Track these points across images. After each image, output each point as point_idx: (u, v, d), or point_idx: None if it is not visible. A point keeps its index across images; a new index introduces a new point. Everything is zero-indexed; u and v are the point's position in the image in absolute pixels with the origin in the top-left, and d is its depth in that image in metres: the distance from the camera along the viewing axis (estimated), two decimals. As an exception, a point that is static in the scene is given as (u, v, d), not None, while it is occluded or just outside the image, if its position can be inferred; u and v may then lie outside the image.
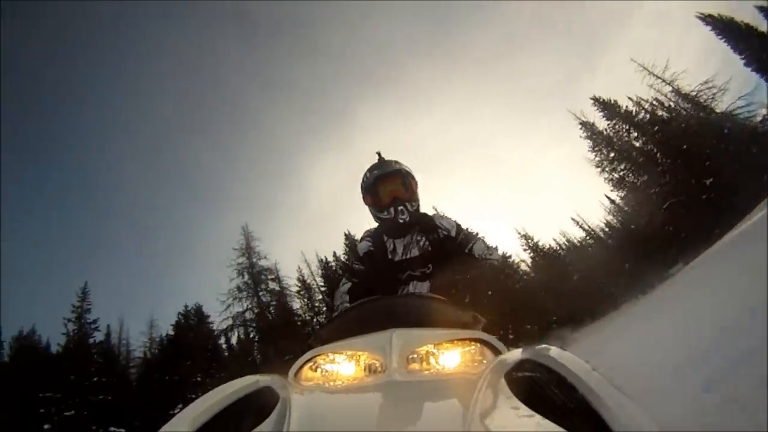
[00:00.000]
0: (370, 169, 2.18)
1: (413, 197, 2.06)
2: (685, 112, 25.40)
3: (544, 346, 0.93)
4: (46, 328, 36.91)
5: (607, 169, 27.84)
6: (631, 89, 27.79)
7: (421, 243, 2.04)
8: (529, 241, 30.71)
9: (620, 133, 27.07)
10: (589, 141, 28.12)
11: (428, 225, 2.11)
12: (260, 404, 0.95)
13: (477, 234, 2.12)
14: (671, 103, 26.28)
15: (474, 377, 1.00)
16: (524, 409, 0.72)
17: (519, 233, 31.35)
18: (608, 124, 27.61)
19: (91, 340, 25.18)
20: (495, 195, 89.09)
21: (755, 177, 18.60)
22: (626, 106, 27.14)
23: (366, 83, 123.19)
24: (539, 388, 0.83)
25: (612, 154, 27.17)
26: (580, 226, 30.68)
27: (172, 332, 27.47)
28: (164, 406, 21.46)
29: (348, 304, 1.88)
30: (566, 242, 31.32)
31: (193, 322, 28.02)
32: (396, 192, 2.02)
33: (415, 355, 1.18)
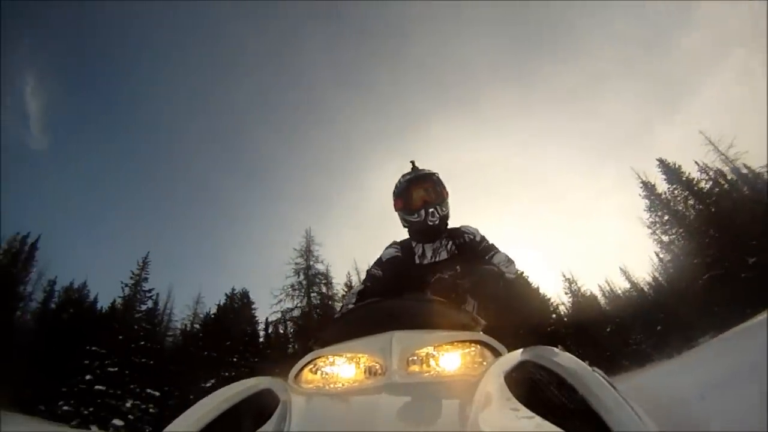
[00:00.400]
0: (404, 175, 2.21)
1: (444, 203, 2.10)
2: (742, 190, 25.78)
3: (543, 347, 0.94)
4: (100, 287, 39.04)
5: (658, 231, 28.70)
6: (698, 153, 28.04)
7: (449, 247, 2.07)
8: (572, 284, 31.69)
9: (678, 198, 27.70)
10: (646, 201, 28.98)
11: (455, 232, 2.14)
12: (261, 407, 0.97)
13: (495, 246, 2.16)
14: (732, 177, 26.62)
15: (474, 379, 0.99)
16: (524, 411, 0.73)
17: (564, 276, 32.50)
18: (668, 188, 28.28)
19: (144, 307, 26.81)
20: (547, 232, 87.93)
21: None
22: (688, 174, 27.62)
23: (441, 98, 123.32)
24: (539, 389, 0.83)
25: (666, 217, 27.97)
26: (627, 278, 31.58)
27: (215, 311, 28.86)
28: (196, 378, 22.27)
29: (351, 305, 1.93)
30: (609, 290, 32.31)
31: (237, 305, 29.28)
32: (427, 197, 2.07)
33: (415, 357, 1.16)
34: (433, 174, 2.17)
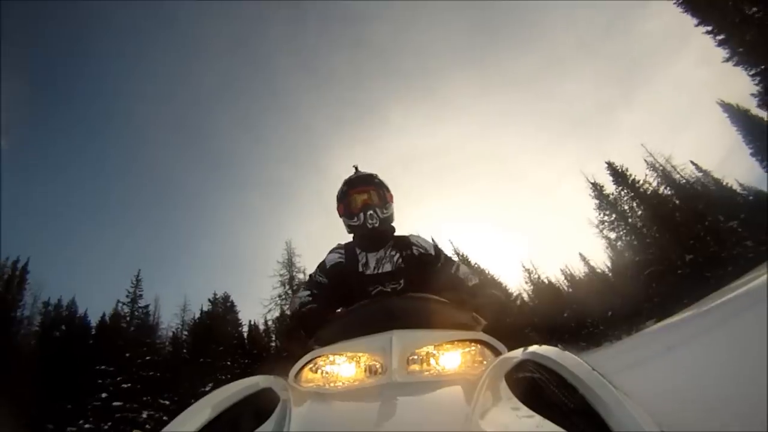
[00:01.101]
0: (345, 180, 2.20)
1: (385, 206, 2.08)
2: (685, 192, 28.52)
3: (544, 346, 0.94)
4: (81, 297, 41.50)
5: (605, 230, 31.49)
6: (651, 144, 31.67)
7: (395, 258, 2.04)
8: (532, 274, 34.78)
9: (624, 198, 30.55)
10: (596, 200, 31.66)
11: (402, 242, 2.12)
12: (261, 406, 0.97)
13: (452, 259, 2.16)
14: (678, 178, 29.64)
15: (474, 378, 1.01)
16: (524, 410, 0.74)
17: (524, 267, 35.54)
18: (616, 189, 30.87)
19: (138, 322, 28.42)
20: (507, 217, 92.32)
21: (727, 262, 22.74)
22: (634, 177, 30.17)
23: (401, 84, 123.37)
24: (539, 388, 0.84)
25: (614, 216, 30.78)
26: (585, 263, 34.31)
27: (200, 317, 30.73)
28: (198, 383, 23.87)
29: (309, 308, 1.75)
30: (570, 275, 34.92)
31: (221, 309, 31.30)
32: (368, 200, 2.07)
33: (416, 357, 1.20)
34: (374, 177, 2.15)
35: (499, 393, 0.85)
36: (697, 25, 24.50)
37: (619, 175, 31.00)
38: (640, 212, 29.78)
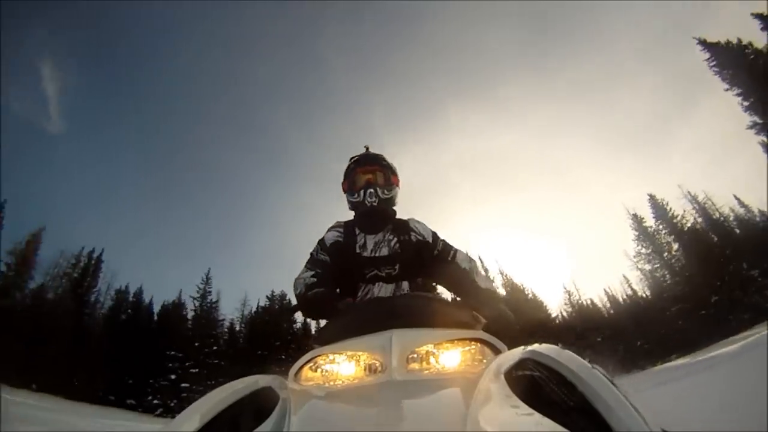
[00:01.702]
0: (353, 158, 2.23)
1: (388, 187, 2.09)
2: (720, 230, 29.85)
3: (544, 345, 0.93)
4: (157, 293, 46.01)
5: (641, 261, 32.80)
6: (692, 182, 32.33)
7: (392, 243, 2.04)
8: (572, 296, 36.28)
9: (662, 232, 31.80)
10: (635, 231, 32.83)
11: (401, 227, 2.10)
12: (260, 405, 0.97)
13: (451, 245, 2.11)
14: (717, 215, 30.59)
15: (474, 377, 0.99)
16: (524, 408, 0.74)
17: (565, 288, 36.92)
18: (655, 222, 32.05)
19: (205, 315, 31.43)
20: (554, 227, 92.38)
21: (748, 308, 23.70)
22: (673, 212, 31.24)
23: (460, 85, 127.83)
24: (539, 387, 0.85)
25: (650, 249, 32.04)
26: (630, 286, 35.84)
27: (258, 312, 32.85)
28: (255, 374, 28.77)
29: (315, 292, 1.76)
30: (611, 297, 36.97)
31: (278, 306, 32.59)
32: (371, 179, 2.09)
33: (415, 355, 1.19)
34: (382, 157, 2.16)
35: (498, 391, 0.84)
36: (726, 90, 25.74)
37: (659, 209, 31.94)
38: (675, 247, 30.82)
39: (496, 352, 1.25)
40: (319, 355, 1.33)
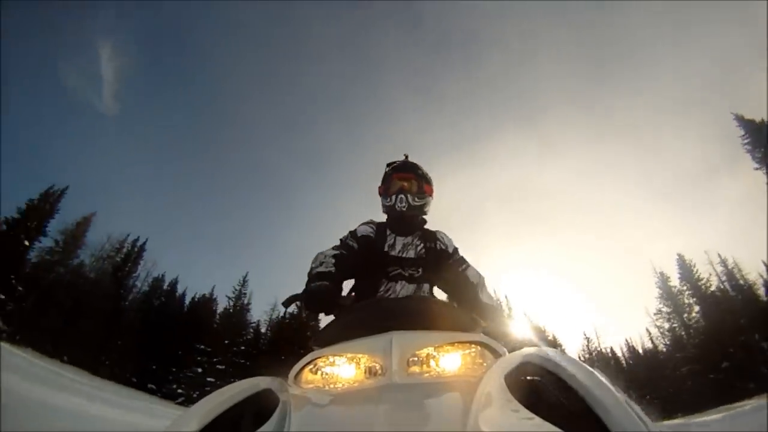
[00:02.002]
0: (391, 164, 2.34)
1: (420, 195, 2.18)
2: (743, 296, 29.94)
3: (543, 348, 0.93)
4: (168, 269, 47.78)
5: (661, 318, 33.06)
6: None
7: (419, 248, 2.15)
8: (590, 343, 36.59)
9: (685, 293, 32.09)
10: (659, 289, 33.18)
11: (430, 235, 2.21)
12: (261, 407, 0.98)
13: (466, 259, 2.21)
14: (744, 283, 30.40)
15: (474, 380, 0.99)
16: (524, 411, 0.75)
17: (585, 335, 37.16)
18: (680, 282, 32.32)
19: (221, 309, 33.47)
20: (580, 268, 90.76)
21: (752, 377, 24.07)
22: (698, 274, 31.46)
23: (508, 115, 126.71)
24: (539, 390, 0.86)
25: (671, 309, 32.26)
26: (651, 340, 35.97)
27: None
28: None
29: (330, 268, 1.90)
30: (630, 350, 37.58)
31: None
32: (405, 186, 2.18)
33: (416, 358, 1.19)
34: (419, 167, 2.25)
35: (499, 394, 0.84)
36: (756, 169, 26.20)
37: (686, 270, 32.09)
38: (696, 309, 31.05)
39: (496, 355, 1.23)
40: (319, 357, 1.31)
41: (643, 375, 31.82)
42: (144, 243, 33.78)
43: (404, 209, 2.11)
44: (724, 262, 31.36)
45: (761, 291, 29.90)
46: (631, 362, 36.18)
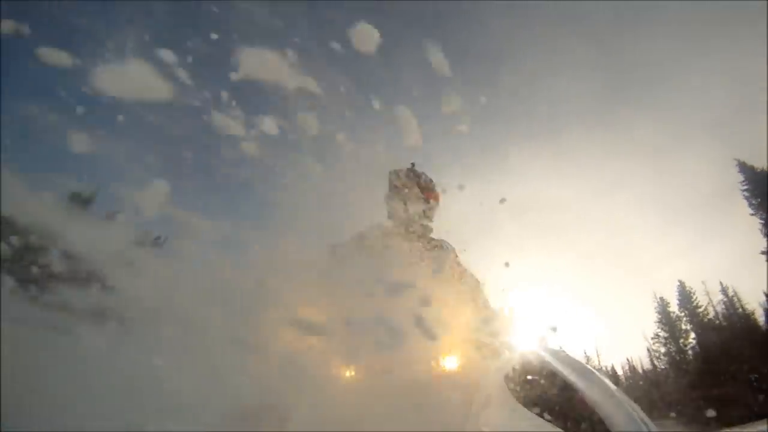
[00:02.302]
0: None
1: (423, 201, 2.25)
2: (738, 325, 29.36)
3: (544, 348, 0.97)
4: None
5: (657, 343, 32.53)
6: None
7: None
8: (590, 361, 32.97)
9: (682, 320, 31.98)
10: (658, 314, 32.63)
11: (434, 241, 2.28)
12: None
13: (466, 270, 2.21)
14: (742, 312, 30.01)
15: (474, 380, 1.03)
16: (523, 410, 0.78)
17: (585, 353, 33.81)
18: (678, 309, 31.99)
19: None
20: (588, 287, 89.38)
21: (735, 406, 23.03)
22: (697, 302, 31.43)
23: (526, 127, 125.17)
24: (539, 389, 0.88)
25: (667, 334, 31.91)
26: (651, 361, 34.60)
27: None
28: None
29: None
30: (630, 369, 36.33)
31: None
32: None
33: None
34: (422, 175, 2.38)
35: (498, 393, 0.87)
36: (752, 215, 26.49)
37: (685, 297, 32.27)
38: (692, 336, 31.13)
39: (497, 355, 1.24)
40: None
41: (639, 394, 32.22)
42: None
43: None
44: (725, 290, 31.72)
45: (761, 320, 30.11)
46: (630, 380, 37.94)
